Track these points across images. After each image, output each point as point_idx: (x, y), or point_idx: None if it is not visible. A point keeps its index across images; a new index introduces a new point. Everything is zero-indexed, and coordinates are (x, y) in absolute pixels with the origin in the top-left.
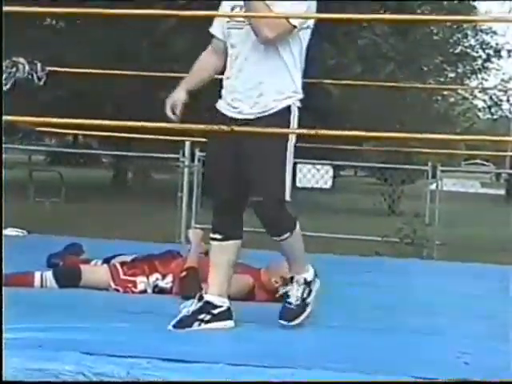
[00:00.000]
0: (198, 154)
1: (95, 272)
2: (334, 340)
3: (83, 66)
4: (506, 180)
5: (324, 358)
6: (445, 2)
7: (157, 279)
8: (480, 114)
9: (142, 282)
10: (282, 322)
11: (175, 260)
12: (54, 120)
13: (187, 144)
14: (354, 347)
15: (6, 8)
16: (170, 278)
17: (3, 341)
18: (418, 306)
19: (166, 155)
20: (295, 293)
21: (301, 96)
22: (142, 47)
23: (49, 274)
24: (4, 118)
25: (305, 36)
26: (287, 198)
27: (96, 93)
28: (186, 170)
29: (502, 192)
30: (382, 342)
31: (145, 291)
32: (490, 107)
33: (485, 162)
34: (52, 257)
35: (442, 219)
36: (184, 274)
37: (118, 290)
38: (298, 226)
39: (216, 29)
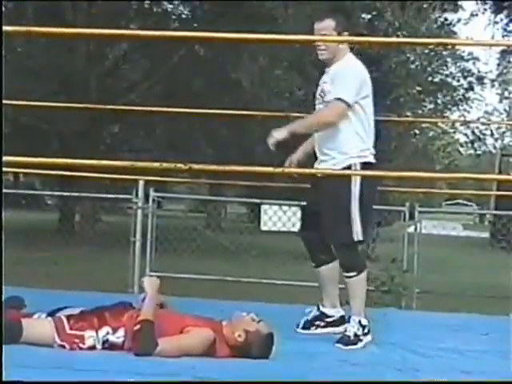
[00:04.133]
0: (152, 194)
1: (38, 326)
2: None
3: (27, 99)
4: (491, 222)
5: None
6: (423, 28)
7: (107, 333)
8: (462, 149)
9: (90, 336)
10: (338, 345)
11: (128, 312)
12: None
13: (140, 183)
14: None
15: None
16: (121, 332)
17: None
18: (398, 361)
19: (117, 196)
20: (351, 329)
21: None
22: (91, 77)
23: None
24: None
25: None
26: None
27: (41, 128)
28: (139, 211)
29: (487, 235)
30: None
31: (94, 347)
32: (472, 142)
33: (467, 202)
34: None
35: (422, 265)
36: (138, 327)
37: (63, 347)
38: (364, 273)
39: None
